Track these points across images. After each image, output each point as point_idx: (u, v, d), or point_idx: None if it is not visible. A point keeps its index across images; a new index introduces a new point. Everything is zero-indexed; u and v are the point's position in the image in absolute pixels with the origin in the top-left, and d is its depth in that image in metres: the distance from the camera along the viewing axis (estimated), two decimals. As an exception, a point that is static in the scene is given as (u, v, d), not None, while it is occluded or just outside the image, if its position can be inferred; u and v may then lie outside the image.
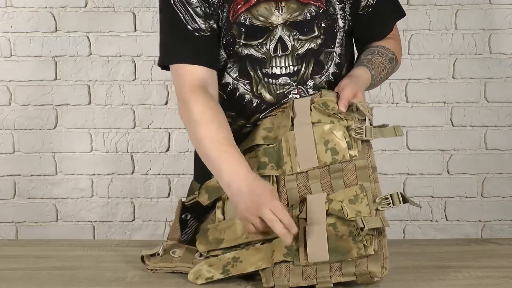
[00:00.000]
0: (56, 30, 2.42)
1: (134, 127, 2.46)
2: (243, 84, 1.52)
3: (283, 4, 1.50)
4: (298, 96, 1.50)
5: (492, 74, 2.42)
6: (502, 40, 2.40)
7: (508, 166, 2.45)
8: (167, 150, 2.47)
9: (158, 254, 1.36)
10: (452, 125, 2.44)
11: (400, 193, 1.32)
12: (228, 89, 1.53)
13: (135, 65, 2.43)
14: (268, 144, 1.42)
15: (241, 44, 1.51)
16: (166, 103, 2.45)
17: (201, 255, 1.35)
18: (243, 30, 1.51)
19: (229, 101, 1.54)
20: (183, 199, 1.50)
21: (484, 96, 2.43)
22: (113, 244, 1.58)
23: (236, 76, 1.53)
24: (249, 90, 1.52)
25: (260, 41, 1.51)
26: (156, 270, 1.34)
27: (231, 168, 1.37)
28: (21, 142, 2.46)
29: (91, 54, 2.43)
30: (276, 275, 1.26)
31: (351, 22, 1.55)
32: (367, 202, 1.31)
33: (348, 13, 1.54)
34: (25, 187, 2.48)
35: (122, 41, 2.42)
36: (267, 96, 1.51)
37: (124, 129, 2.46)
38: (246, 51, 1.51)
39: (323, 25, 1.52)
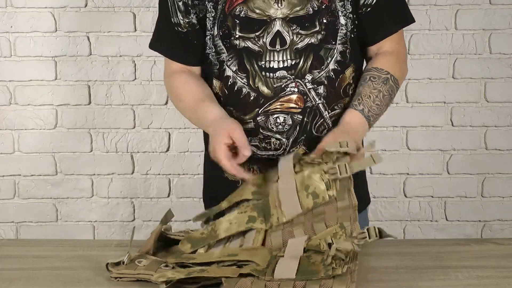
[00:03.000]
0: (56, 30, 2.42)
1: (134, 127, 2.46)
2: (241, 77, 1.52)
3: None
4: (296, 89, 1.50)
5: (492, 74, 2.42)
6: (502, 40, 2.40)
7: (508, 166, 2.45)
8: (167, 150, 2.47)
9: (123, 263, 1.35)
10: (452, 125, 2.44)
11: (378, 228, 1.31)
12: (229, 83, 1.54)
13: (135, 65, 2.43)
14: (257, 200, 1.42)
15: (237, 36, 1.51)
16: (166, 103, 2.45)
17: (166, 266, 1.34)
18: (237, 22, 1.51)
19: (229, 96, 1.54)
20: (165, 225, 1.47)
21: (484, 96, 2.43)
22: (113, 244, 1.58)
23: (235, 70, 1.53)
24: (247, 84, 1.52)
25: (257, 34, 1.51)
26: (119, 278, 1.32)
27: (208, 112, 1.51)
28: (21, 142, 2.46)
29: (91, 54, 2.43)
30: (238, 286, 1.24)
31: (354, 21, 1.54)
32: (345, 237, 1.32)
33: (349, 11, 1.53)
34: (25, 187, 2.48)
35: (122, 41, 2.42)
36: (265, 89, 1.51)
37: (124, 129, 2.46)
38: (243, 44, 1.51)
39: (324, 21, 1.51)
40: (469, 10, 2.39)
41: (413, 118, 2.44)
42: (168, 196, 2.49)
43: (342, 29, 1.52)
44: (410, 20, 1.62)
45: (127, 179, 2.48)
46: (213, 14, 1.56)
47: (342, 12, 1.53)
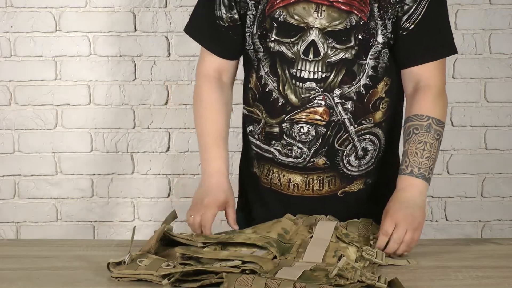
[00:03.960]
0: (56, 30, 2.42)
1: (134, 127, 2.46)
2: (272, 81, 1.53)
3: (323, 8, 1.49)
4: (323, 102, 1.50)
5: (492, 74, 2.42)
6: (502, 40, 2.40)
7: (508, 166, 2.45)
8: (167, 150, 2.47)
9: (124, 262, 1.35)
10: (452, 125, 2.44)
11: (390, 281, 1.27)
12: (262, 82, 1.54)
13: (135, 65, 2.43)
14: (281, 241, 1.39)
15: (272, 39, 1.52)
16: (166, 103, 2.45)
17: (168, 265, 1.34)
18: (275, 25, 1.51)
19: (261, 95, 1.55)
20: (169, 225, 1.47)
21: (484, 96, 2.43)
22: (113, 244, 1.58)
23: (267, 71, 1.54)
24: (276, 88, 1.53)
25: (292, 40, 1.51)
26: (120, 278, 1.32)
27: (209, 160, 1.58)
28: (21, 142, 2.46)
29: (91, 54, 2.43)
30: (239, 282, 1.24)
31: (390, 40, 1.52)
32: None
33: (389, 31, 1.52)
34: (25, 187, 2.48)
35: (122, 41, 2.42)
36: (293, 98, 1.51)
37: (124, 129, 2.46)
38: (277, 48, 1.52)
39: (359, 36, 1.50)
40: (469, 10, 2.39)
41: (413, 118, 2.44)
42: (168, 196, 2.49)
43: (377, 46, 1.51)
44: (451, 51, 1.57)
45: (127, 179, 2.48)
46: (253, 13, 1.56)
47: (382, 31, 1.51)
